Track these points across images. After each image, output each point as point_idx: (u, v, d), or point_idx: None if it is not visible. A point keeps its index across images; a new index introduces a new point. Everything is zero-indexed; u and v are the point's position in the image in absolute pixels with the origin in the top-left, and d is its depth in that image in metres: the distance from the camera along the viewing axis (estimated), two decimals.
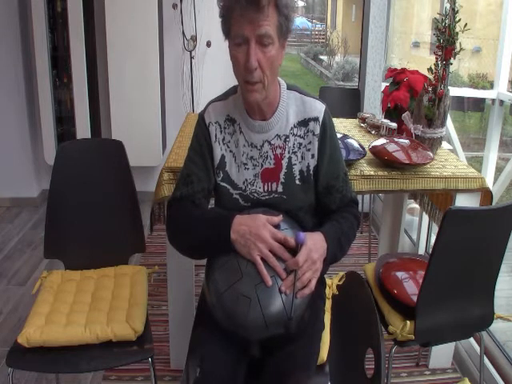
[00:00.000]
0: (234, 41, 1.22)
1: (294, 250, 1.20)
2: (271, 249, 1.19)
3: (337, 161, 1.39)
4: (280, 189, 1.36)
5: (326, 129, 1.35)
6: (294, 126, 1.35)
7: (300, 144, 1.35)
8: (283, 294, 1.17)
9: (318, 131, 1.34)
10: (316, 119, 1.34)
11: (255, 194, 1.36)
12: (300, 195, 1.37)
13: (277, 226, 1.24)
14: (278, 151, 1.35)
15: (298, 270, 1.17)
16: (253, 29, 1.18)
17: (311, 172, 1.36)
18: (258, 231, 1.19)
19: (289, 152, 1.35)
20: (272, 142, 1.35)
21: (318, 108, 1.35)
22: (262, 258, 1.19)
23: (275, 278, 1.17)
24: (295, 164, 1.36)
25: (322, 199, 1.40)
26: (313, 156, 1.35)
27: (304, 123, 1.35)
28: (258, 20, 1.17)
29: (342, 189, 1.40)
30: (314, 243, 1.23)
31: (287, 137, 1.35)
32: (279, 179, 1.36)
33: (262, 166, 1.36)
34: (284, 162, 1.35)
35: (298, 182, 1.36)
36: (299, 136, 1.35)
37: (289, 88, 1.37)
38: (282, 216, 1.26)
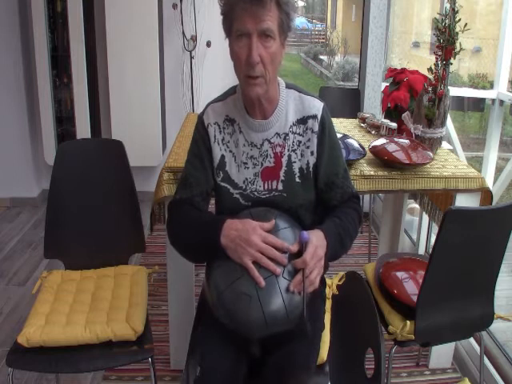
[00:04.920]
0: (236, 34, 1.22)
1: (295, 254, 1.20)
2: (262, 251, 1.17)
3: (336, 157, 1.39)
4: (280, 187, 1.36)
5: (325, 126, 1.36)
6: (293, 124, 1.36)
7: (299, 142, 1.36)
8: (284, 292, 1.16)
9: (316, 128, 1.35)
10: (314, 117, 1.35)
11: (255, 193, 1.36)
12: (300, 193, 1.37)
13: (276, 227, 1.24)
14: (278, 149, 1.36)
15: (306, 268, 1.17)
16: (255, 23, 1.19)
17: (311, 169, 1.37)
18: (248, 236, 1.18)
19: (288, 150, 1.36)
20: (272, 141, 1.36)
21: (317, 106, 1.36)
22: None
23: (275, 276, 1.17)
24: (295, 162, 1.36)
25: (323, 196, 1.41)
26: (312, 153, 1.36)
27: (303, 121, 1.36)
28: (261, 15, 1.18)
29: (343, 184, 1.40)
30: (318, 240, 1.23)
31: (287, 135, 1.36)
32: (279, 177, 1.36)
33: (262, 164, 1.36)
34: (284, 160, 1.36)
35: (297, 179, 1.37)
36: (298, 134, 1.36)
37: (287, 87, 1.38)
38: (274, 221, 1.23)
